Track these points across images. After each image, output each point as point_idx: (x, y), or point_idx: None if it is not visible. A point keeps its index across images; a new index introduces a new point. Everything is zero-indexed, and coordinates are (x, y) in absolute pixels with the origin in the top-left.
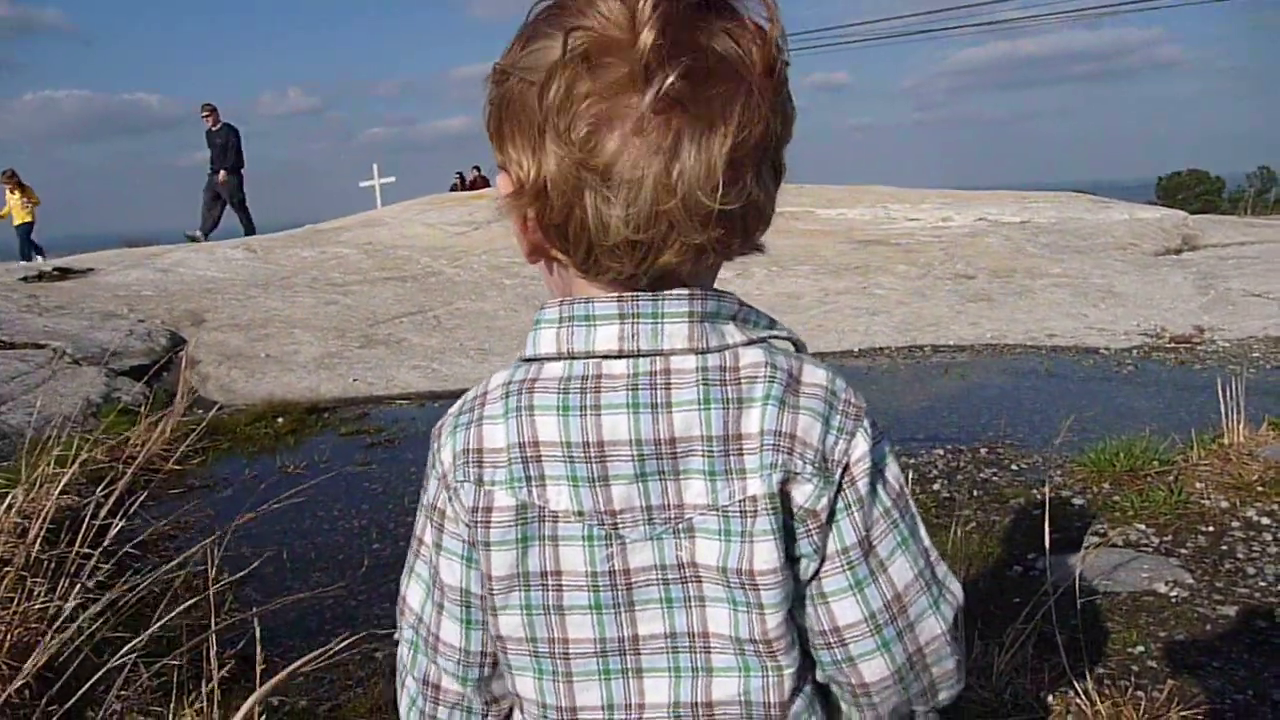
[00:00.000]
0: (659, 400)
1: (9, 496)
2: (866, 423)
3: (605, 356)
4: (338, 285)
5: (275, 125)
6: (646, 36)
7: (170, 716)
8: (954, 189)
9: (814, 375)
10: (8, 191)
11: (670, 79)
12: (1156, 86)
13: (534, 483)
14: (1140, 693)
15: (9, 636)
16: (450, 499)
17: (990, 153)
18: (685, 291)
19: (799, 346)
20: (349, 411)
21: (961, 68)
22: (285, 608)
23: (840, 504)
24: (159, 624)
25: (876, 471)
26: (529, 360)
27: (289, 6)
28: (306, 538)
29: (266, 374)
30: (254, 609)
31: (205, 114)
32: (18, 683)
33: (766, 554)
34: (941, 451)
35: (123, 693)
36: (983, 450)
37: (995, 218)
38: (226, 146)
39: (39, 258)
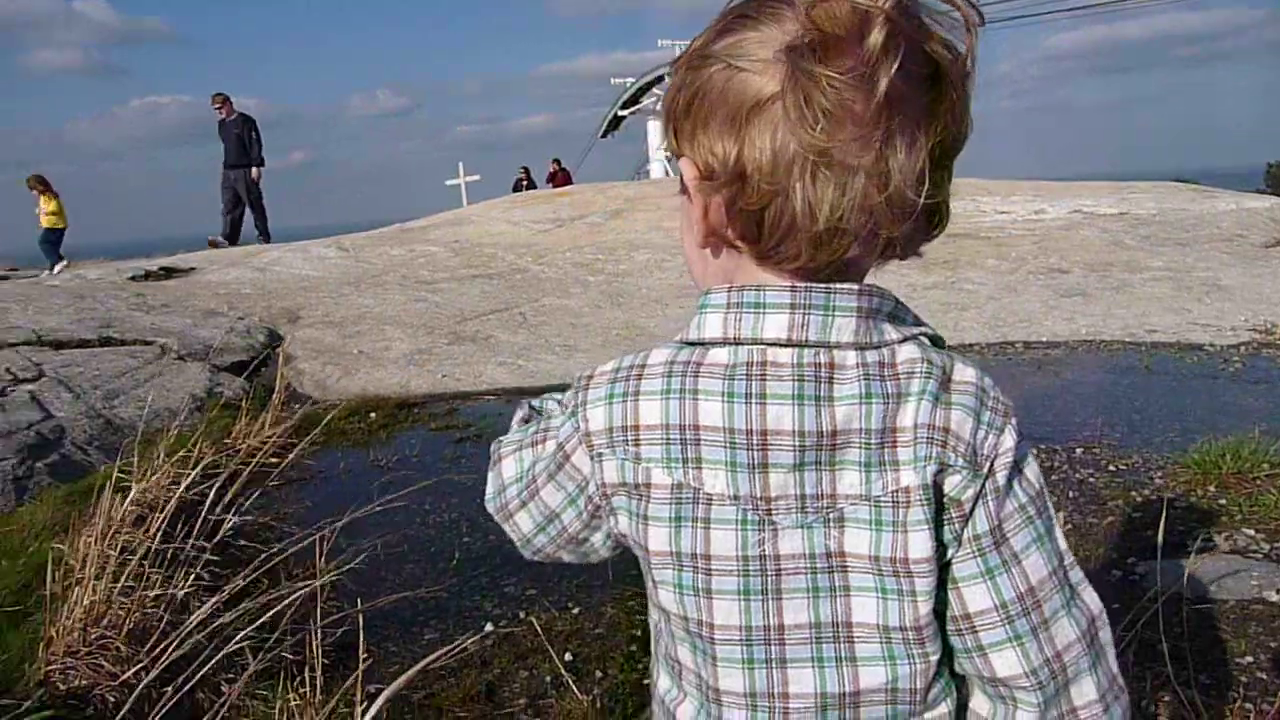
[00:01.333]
0: (823, 393)
1: (131, 490)
2: (1014, 421)
3: (772, 344)
4: (426, 283)
5: (366, 126)
6: (876, 36)
7: (276, 700)
8: (1047, 179)
9: (964, 373)
10: (38, 196)
11: (893, 78)
12: (1267, 69)
13: (690, 464)
14: (1249, 704)
15: (128, 621)
16: (592, 459)
17: (1086, 141)
18: (855, 286)
19: (938, 343)
20: (438, 407)
21: (1055, 53)
22: (375, 603)
23: (980, 494)
24: (274, 613)
25: (1017, 468)
26: (692, 344)
27: (378, 9)
28: (399, 530)
29: (359, 370)
30: (357, 602)
31: (217, 104)
32: (137, 667)
33: (921, 543)
34: (1035, 451)
35: (230, 676)
36: (1078, 450)
37: (1091, 209)
38: (244, 139)
39: (56, 266)
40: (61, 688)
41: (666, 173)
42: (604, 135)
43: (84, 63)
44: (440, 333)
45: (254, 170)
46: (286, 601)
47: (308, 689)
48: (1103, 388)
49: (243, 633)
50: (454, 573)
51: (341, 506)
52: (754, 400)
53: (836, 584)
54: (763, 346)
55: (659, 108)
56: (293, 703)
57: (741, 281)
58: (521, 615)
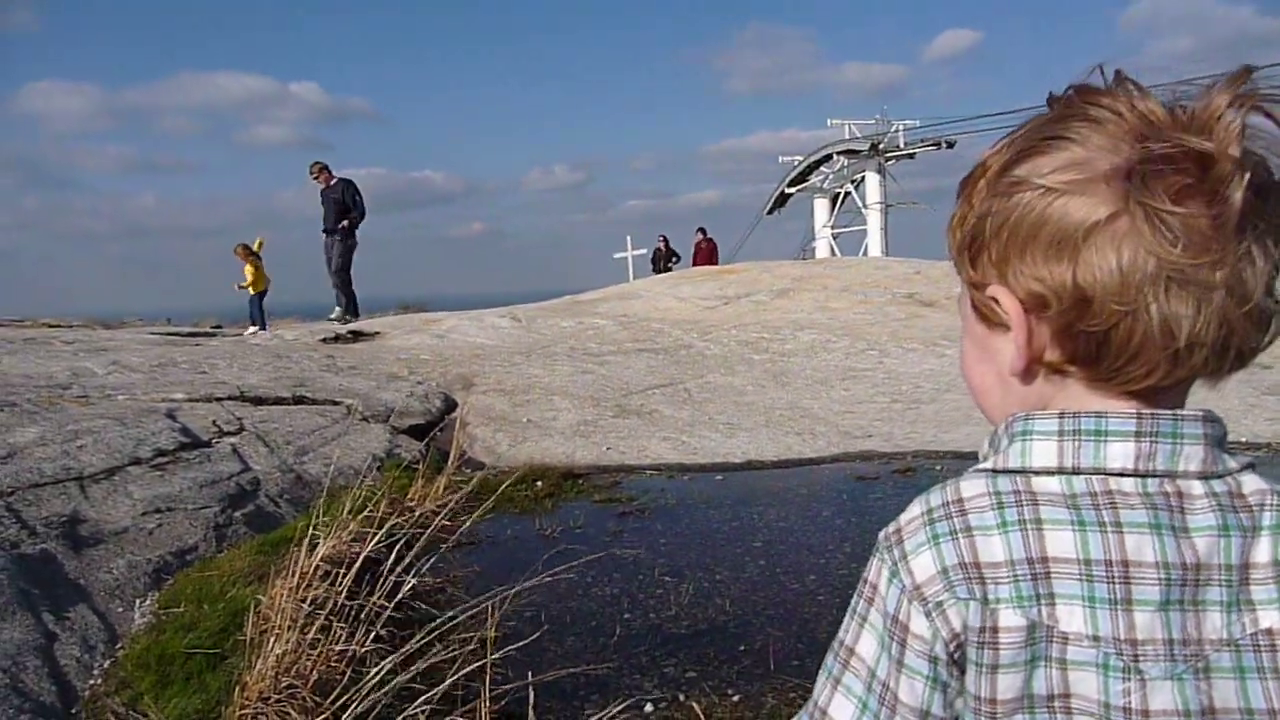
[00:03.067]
0: (1178, 523)
1: (319, 546)
2: None
3: (1115, 474)
4: (594, 355)
5: (541, 199)
6: (1225, 165)
7: None
8: None
9: None
10: (244, 264)
11: (1240, 195)
12: None
13: (1044, 601)
14: None
15: (314, 673)
16: (929, 614)
17: None
18: (1200, 413)
19: (1254, 469)
20: (602, 479)
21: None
22: (538, 668)
23: None
24: (449, 682)
25: None
26: (1008, 472)
27: (563, 89)
28: (562, 601)
29: (527, 438)
30: (527, 674)
31: (315, 173)
32: (321, 718)
33: None
34: None
35: None
36: None
37: None
38: (344, 203)
39: (255, 327)
40: None
41: (832, 250)
42: (770, 212)
43: (294, 138)
44: (606, 405)
45: (345, 221)
46: (459, 670)
47: None
48: None
49: (418, 691)
50: (615, 649)
51: (508, 573)
52: (1109, 528)
53: None
54: (1104, 477)
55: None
56: None
57: (1067, 406)
58: (681, 698)
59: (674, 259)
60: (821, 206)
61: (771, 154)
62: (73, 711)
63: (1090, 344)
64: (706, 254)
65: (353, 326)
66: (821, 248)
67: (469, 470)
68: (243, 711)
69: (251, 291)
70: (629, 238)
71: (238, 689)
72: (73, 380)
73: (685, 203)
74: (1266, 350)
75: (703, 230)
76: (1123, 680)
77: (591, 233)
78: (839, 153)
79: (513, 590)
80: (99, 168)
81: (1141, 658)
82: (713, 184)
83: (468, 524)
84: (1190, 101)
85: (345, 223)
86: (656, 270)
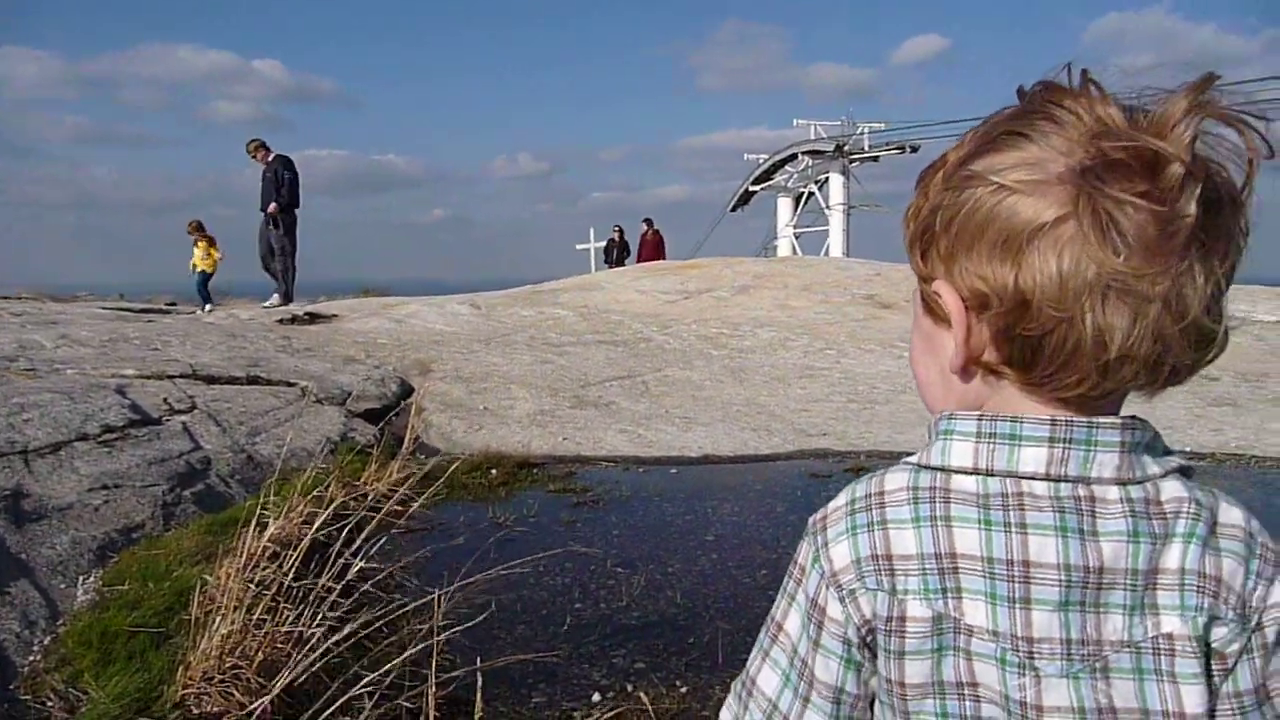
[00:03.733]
0: (1087, 527)
1: (268, 526)
2: None
3: (1027, 477)
4: (553, 345)
5: (506, 187)
6: (1177, 168)
7: None
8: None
9: (1231, 515)
10: (194, 242)
11: (1192, 207)
12: None
13: (950, 594)
14: None
15: (259, 654)
16: (842, 600)
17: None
18: (1118, 420)
19: (1187, 473)
20: (557, 469)
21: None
22: (487, 655)
23: (1245, 648)
24: (396, 663)
25: None
26: (930, 468)
27: (530, 81)
28: (513, 589)
29: (484, 426)
30: (475, 659)
31: (253, 151)
32: (266, 699)
33: (1198, 697)
34: None
35: (346, 719)
36: None
37: (1245, 314)
38: (279, 181)
39: (207, 306)
40: (195, 711)
41: (794, 249)
42: (734, 209)
43: (256, 114)
44: (564, 395)
45: (271, 205)
46: (406, 655)
47: None
48: (1254, 507)
49: (366, 677)
50: (565, 638)
51: (459, 559)
52: (1014, 529)
53: None
54: (1016, 479)
55: (789, 185)
56: None
57: (995, 409)
58: (629, 689)
59: (627, 253)
60: (785, 205)
61: (739, 151)
62: (10, 687)
63: (1026, 348)
64: (653, 246)
65: (310, 308)
66: (783, 246)
67: (424, 456)
68: (186, 690)
69: (205, 270)
70: (592, 230)
71: (181, 668)
72: (19, 353)
73: (652, 196)
74: (1211, 364)
75: (649, 221)
76: (1019, 675)
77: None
78: (804, 153)
79: (465, 582)
80: (56, 136)
81: (1037, 655)
82: (680, 179)
83: (416, 507)
84: (1150, 107)
85: (272, 207)
86: (609, 263)
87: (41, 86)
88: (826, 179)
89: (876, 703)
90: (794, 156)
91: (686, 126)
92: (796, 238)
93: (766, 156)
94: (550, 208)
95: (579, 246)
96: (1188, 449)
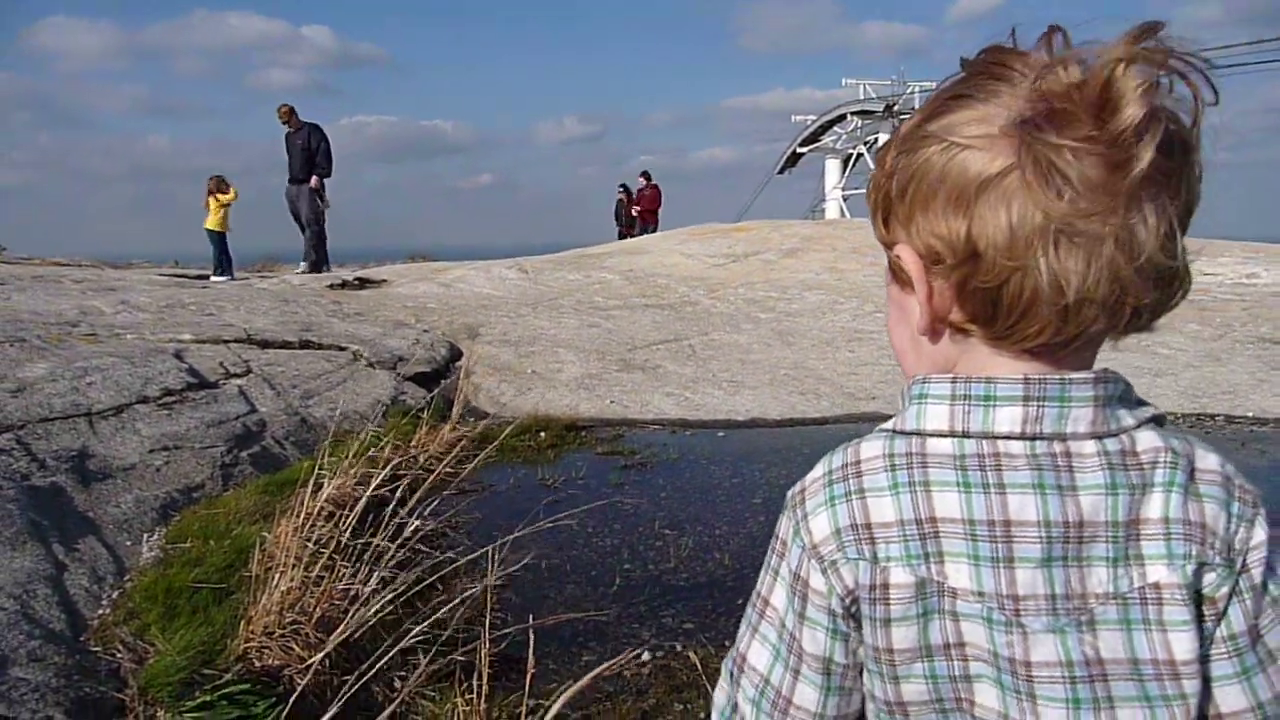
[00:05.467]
0: (1064, 482)
1: (324, 487)
2: (1263, 511)
3: (1003, 437)
4: (600, 309)
5: (553, 152)
6: (1131, 112)
7: (445, 703)
8: (1263, 241)
9: (1208, 460)
10: (210, 197)
11: (1148, 150)
12: None
13: (932, 559)
14: None
15: (317, 609)
16: (824, 571)
17: None
18: (1090, 375)
19: (1160, 422)
20: (605, 432)
21: None
22: (538, 614)
23: (1233, 591)
24: (448, 617)
25: (1269, 562)
26: (906, 433)
27: (577, 41)
28: (562, 550)
29: (532, 389)
30: (524, 625)
31: (284, 116)
32: (322, 654)
33: (1187, 643)
34: None
35: (402, 674)
36: None
37: None
38: (310, 149)
39: (216, 275)
40: (256, 664)
41: (842, 211)
42: (781, 171)
43: (305, 82)
44: (611, 359)
45: (314, 179)
46: (457, 603)
47: (475, 696)
48: None
49: (417, 630)
50: (614, 598)
51: (509, 520)
52: (992, 490)
53: (1099, 694)
54: (992, 439)
55: (838, 146)
56: (460, 708)
57: (967, 368)
58: (678, 648)
59: (636, 213)
60: (833, 167)
61: (786, 113)
62: (81, 639)
63: (985, 302)
64: (650, 200)
65: (360, 273)
66: (831, 208)
67: (473, 419)
68: (247, 644)
69: (210, 229)
70: None
71: (243, 623)
72: (81, 318)
73: (698, 159)
74: (1249, 322)
75: (646, 175)
76: (1006, 633)
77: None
78: (853, 113)
79: (513, 536)
80: (111, 107)
81: (1023, 612)
82: (727, 142)
83: (469, 470)
84: (1095, 58)
85: (314, 180)
86: (620, 224)
87: (97, 57)
88: (876, 139)
89: (866, 671)
90: (843, 117)
91: (733, 88)
92: (845, 200)
93: (815, 118)
94: (596, 171)
95: None
96: (1250, 414)
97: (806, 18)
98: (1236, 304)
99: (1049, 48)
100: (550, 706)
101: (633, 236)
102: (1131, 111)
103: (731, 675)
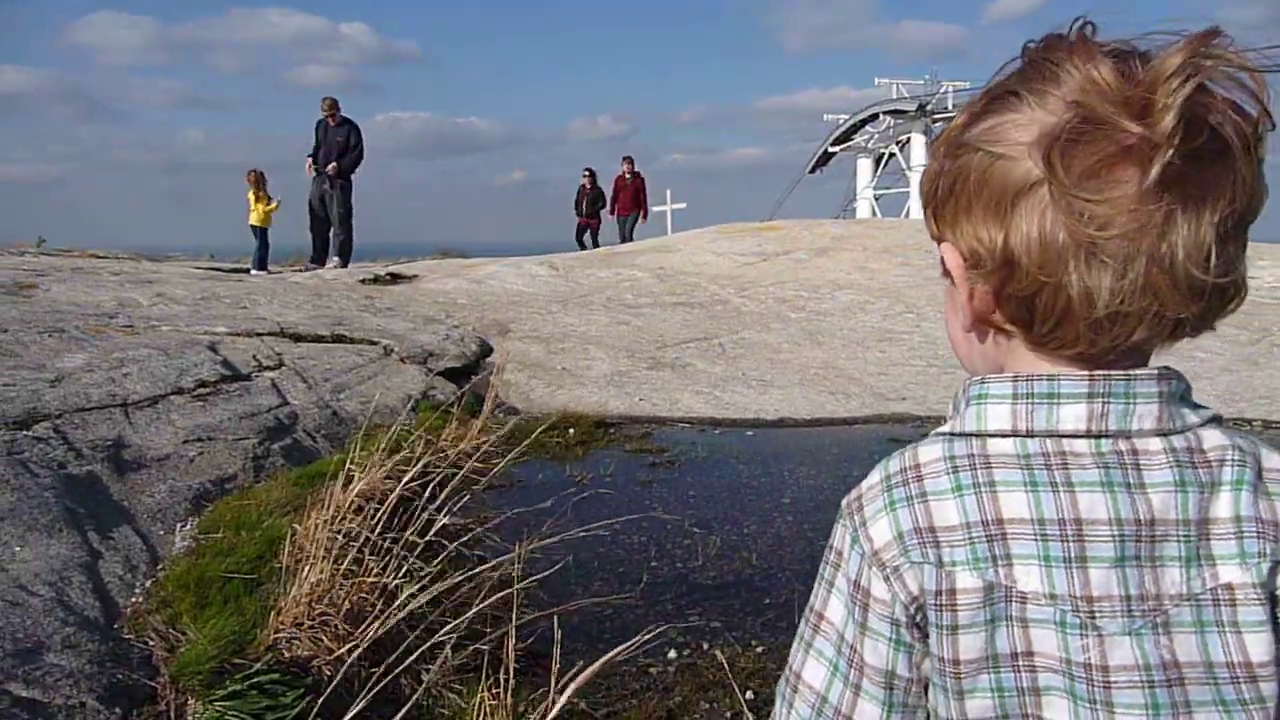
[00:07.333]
0: (1133, 480)
1: (355, 480)
2: None
3: (1068, 436)
4: (630, 307)
5: (585, 150)
6: (1166, 120)
7: (471, 696)
8: None
9: (1273, 460)
10: (250, 193)
11: (1173, 158)
12: None
13: (1000, 562)
14: None
15: (346, 602)
16: (887, 578)
17: None
18: (1155, 371)
19: (1221, 421)
20: (634, 429)
21: None
22: (567, 611)
23: None
24: (475, 611)
25: None
26: (965, 435)
27: (612, 41)
28: (590, 547)
29: (562, 386)
30: (551, 610)
31: (329, 108)
32: (355, 648)
33: (1264, 645)
34: None
35: (428, 666)
36: None
37: None
38: (349, 145)
39: (258, 271)
40: (286, 655)
41: (873, 211)
42: (813, 171)
43: (343, 79)
44: (640, 357)
45: (332, 166)
46: (483, 598)
47: (500, 690)
48: None
49: (447, 626)
50: (641, 596)
51: (537, 517)
52: (1061, 488)
53: (1176, 699)
54: (1057, 438)
55: (870, 145)
56: (487, 702)
57: (1015, 367)
58: (705, 646)
59: (601, 203)
60: (865, 167)
61: (819, 112)
62: (115, 627)
63: (1021, 308)
64: (632, 191)
65: (392, 268)
66: (863, 208)
67: (503, 415)
68: (277, 635)
69: (253, 225)
70: (669, 191)
71: (273, 613)
72: (119, 310)
73: (730, 159)
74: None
75: (629, 160)
76: (1080, 637)
77: None
78: (885, 112)
79: (545, 538)
80: (150, 100)
81: (1098, 614)
82: (759, 141)
83: (500, 467)
84: (1148, 62)
85: (332, 167)
86: (580, 215)
87: (137, 52)
88: (908, 139)
89: (930, 687)
90: (875, 116)
91: (766, 87)
92: (876, 199)
93: (847, 117)
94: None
95: (655, 209)
96: None
97: (843, 16)
98: (1274, 308)
99: (1098, 46)
100: (565, 688)
101: (594, 228)
102: (1168, 121)
103: (784, 698)
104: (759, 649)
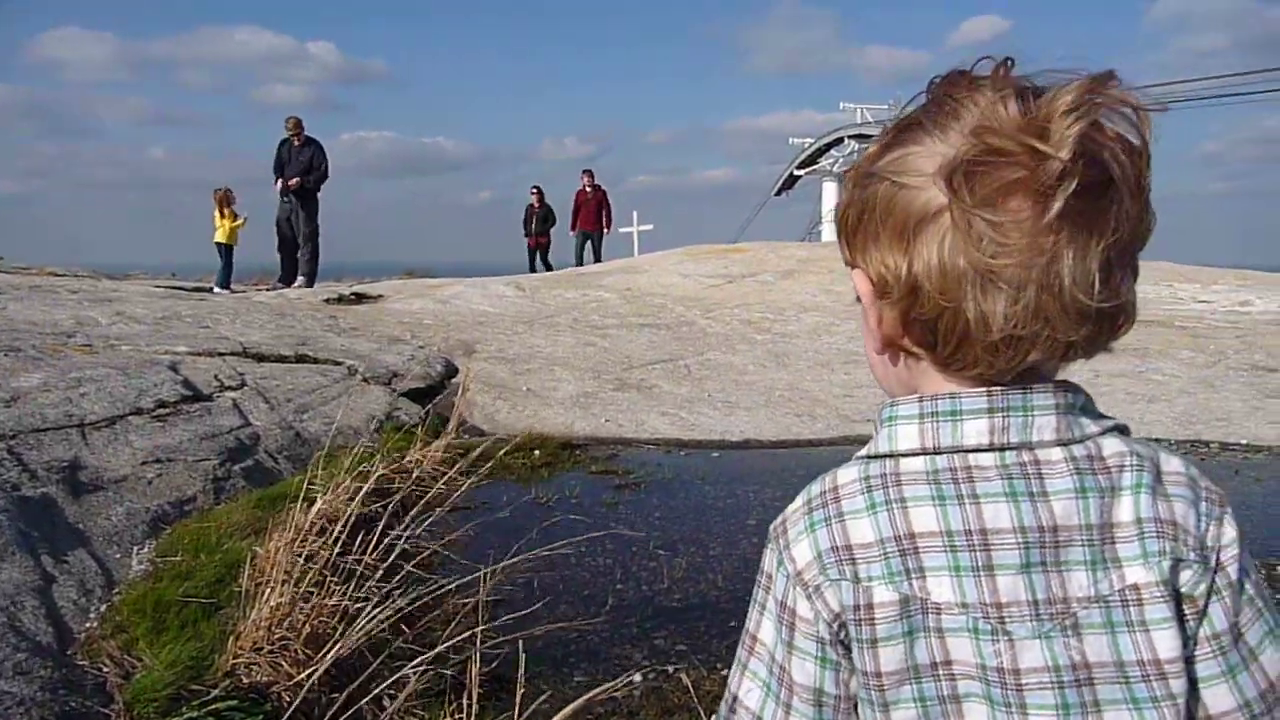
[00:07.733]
0: (1035, 489)
1: (316, 502)
2: (1229, 510)
3: (973, 450)
4: (596, 328)
5: (552, 170)
6: (1063, 153)
7: None
8: (1256, 269)
9: (1172, 463)
10: (216, 211)
11: (1069, 193)
12: None
13: (913, 575)
14: None
15: (307, 626)
16: (809, 597)
17: None
18: (1050, 385)
19: (1124, 431)
20: (599, 451)
21: (1275, 134)
22: (532, 635)
23: (1211, 589)
24: (443, 644)
25: (1241, 558)
26: (880, 456)
27: (581, 62)
28: (555, 569)
29: (527, 407)
30: (515, 634)
31: (294, 126)
32: (317, 672)
33: (1170, 641)
34: None
35: (391, 692)
36: (1279, 568)
37: None
38: (313, 165)
39: (221, 290)
40: (244, 681)
41: None
42: (779, 193)
43: (310, 97)
44: (606, 378)
45: (294, 180)
46: (446, 621)
47: (464, 715)
48: None
49: (409, 650)
50: (606, 619)
51: (503, 539)
52: (967, 500)
53: (1085, 699)
54: (963, 454)
55: (835, 169)
56: None
57: (925, 388)
58: (670, 670)
59: (551, 221)
60: (830, 190)
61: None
62: (68, 653)
63: (925, 331)
64: (594, 205)
65: (357, 288)
66: (828, 231)
67: (468, 436)
68: (235, 660)
69: (219, 242)
70: (635, 213)
71: (231, 638)
72: (77, 329)
73: (698, 180)
74: (1242, 349)
75: (589, 174)
76: (992, 642)
77: None
78: (850, 136)
79: (509, 560)
80: (115, 117)
81: (1008, 619)
82: (726, 162)
83: (464, 489)
84: (1043, 99)
85: (294, 181)
86: (528, 234)
87: (102, 68)
88: None
89: (859, 703)
90: (840, 140)
91: (734, 109)
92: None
93: (812, 140)
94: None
95: (622, 229)
96: (1244, 441)
97: (811, 40)
98: (1230, 331)
99: (1002, 82)
100: None
101: (544, 246)
102: (1053, 163)
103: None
104: (724, 672)
